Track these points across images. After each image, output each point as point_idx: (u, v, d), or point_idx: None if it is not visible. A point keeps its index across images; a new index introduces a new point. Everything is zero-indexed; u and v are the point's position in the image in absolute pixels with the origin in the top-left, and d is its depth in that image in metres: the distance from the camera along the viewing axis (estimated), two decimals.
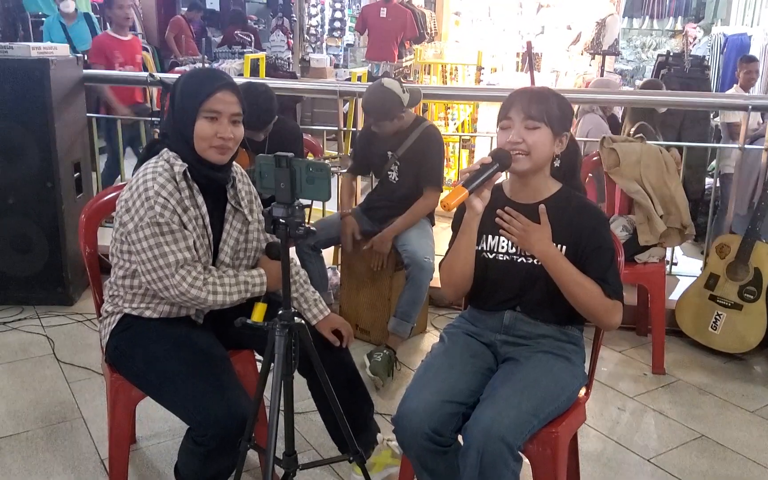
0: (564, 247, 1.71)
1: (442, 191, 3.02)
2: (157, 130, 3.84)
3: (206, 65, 7.18)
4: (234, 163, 1.89)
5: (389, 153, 3.02)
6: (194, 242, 1.75)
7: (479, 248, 1.78)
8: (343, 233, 3.05)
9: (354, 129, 4.06)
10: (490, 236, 1.79)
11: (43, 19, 7.04)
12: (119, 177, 4.48)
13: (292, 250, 2.13)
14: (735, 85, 5.38)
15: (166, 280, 1.71)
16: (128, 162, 4.04)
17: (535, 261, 1.73)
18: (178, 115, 1.76)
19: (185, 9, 8.78)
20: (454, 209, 1.70)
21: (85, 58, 5.70)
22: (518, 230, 1.71)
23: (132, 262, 1.77)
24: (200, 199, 1.78)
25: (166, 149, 1.78)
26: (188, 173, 1.76)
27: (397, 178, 3.05)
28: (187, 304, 1.78)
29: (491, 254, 1.79)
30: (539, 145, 1.68)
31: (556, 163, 1.78)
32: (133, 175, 1.80)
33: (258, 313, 1.70)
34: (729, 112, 4.69)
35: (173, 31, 8.16)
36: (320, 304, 2.00)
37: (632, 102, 4.65)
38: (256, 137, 2.93)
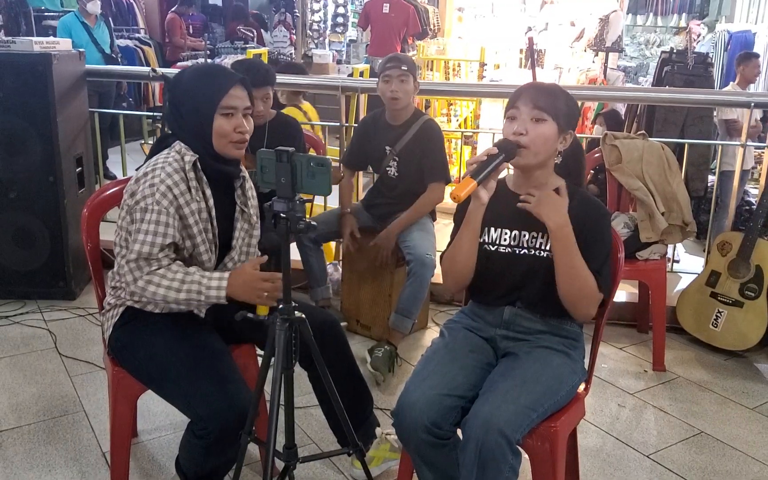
0: None
1: (449, 183, 3.00)
2: (159, 126, 3.84)
3: (207, 58, 7.16)
4: (242, 165, 1.92)
5: (387, 148, 3.01)
6: (187, 238, 1.75)
7: (481, 240, 1.78)
8: (343, 234, 3.05)
9: (356, 125, 4.05)
10: (492, 228, 1.79)
11: (46, 13, 7.01)
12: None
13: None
14: (732, 83, 5.35)
15: (121, 267, 1.73)
16: (131, 157, 4.04)
17: (536, 253, 1.73)
18: (191, 115, 1.78)
19: (178, 7, 8.58)
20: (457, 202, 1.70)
21: (118, 58, 5.72)
22: (535, 199, 1.68)
23: None
24: (208, 191, 1.80)
25: (178, 142, 1.80)
26: (198, 164, 1.78)
27: (396, 174, 3.03)
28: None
29: (493, 246, 1.79)
30: (542, 138, 1.67)
31: (557, 160, 1.77)
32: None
33: (262, 307, 1.70)
34: (726, 109, 4.67)
35: (175, 32, 8.06)
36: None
37: (634, 99, 4.65)
38: (259, 106, 2.68)
